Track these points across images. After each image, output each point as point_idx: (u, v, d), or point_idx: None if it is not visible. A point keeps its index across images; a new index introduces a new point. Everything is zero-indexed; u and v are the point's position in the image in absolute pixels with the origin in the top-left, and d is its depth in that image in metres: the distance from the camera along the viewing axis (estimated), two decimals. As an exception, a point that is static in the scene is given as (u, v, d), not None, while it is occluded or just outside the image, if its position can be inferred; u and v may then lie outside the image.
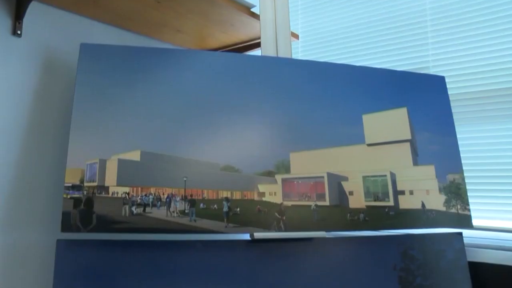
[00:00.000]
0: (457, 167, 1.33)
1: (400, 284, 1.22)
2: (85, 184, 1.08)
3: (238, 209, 1.15)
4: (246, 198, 1.16)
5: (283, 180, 1.19)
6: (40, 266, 1.21)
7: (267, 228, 1.14)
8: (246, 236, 1.12)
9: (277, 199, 1.18)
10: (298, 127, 1.22)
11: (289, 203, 1.18)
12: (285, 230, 1.15)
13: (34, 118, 1.24)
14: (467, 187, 1.33)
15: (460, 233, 1.30)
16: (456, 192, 1.32)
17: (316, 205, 1.20)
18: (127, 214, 1.09)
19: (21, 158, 1.20)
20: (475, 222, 1.33)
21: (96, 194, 1.09)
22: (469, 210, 1.31)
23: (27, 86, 1.23)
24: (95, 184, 1.09)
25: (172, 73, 1.18)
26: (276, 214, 1.16)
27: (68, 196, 1.08)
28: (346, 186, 1.24)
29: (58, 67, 1.30)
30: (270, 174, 1.19)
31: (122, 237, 1.08)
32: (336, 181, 1.23)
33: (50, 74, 1.29)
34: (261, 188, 1.17)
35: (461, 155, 1.34)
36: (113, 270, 1.06)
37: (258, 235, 1.12)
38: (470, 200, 1.33)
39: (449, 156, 1.34)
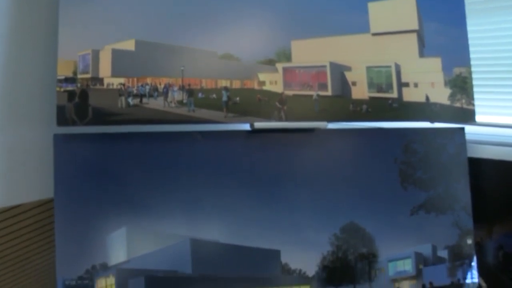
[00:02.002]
0: (465, 60, 1.28)
1: (401, 177, 1.22)
2: (79, 76, 1.04)
3: (238, 99, 1.11)
4: (245, 87, 1.12)
5: (284, 69, 1.14)
6: (40, 163, 1.19)
7: (268, 118, 1.11)
8: (246, 126, 1.10)
9: (278, 88, 1.14)
10: (300, 13, 1.16)
11: (290, 93, 1.15)
12: (286, 120, 1.12)
13: (20, 7, 1.16)
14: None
15: (462, 128, 1.28)
16: (462, 86, 1.28)
17: (318, 95, 1.16)
18: (124, 106, 1.06)
19: (9, 51, 1.14)
20: (478, 118, 1.31)
21: (91, 86, 1.05)
22: (473, 104, 1.29)
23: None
24: (89, 76, 1.05)
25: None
26: (277, 103, 1.13)
27: (62, 89, 1.04)
28: (349, 76, 1.20)
29: None
30: (270, 62, 1.14)
31: (120, 130, 1.05)
32: (339, 71, 1.19)
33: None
34: (261, 77, 1.13)
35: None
36: (113, 162, 1.05)
37: (258, 124, 1.09)
38: (475, 96, 1.29)
39: (457, 49, 1.28)
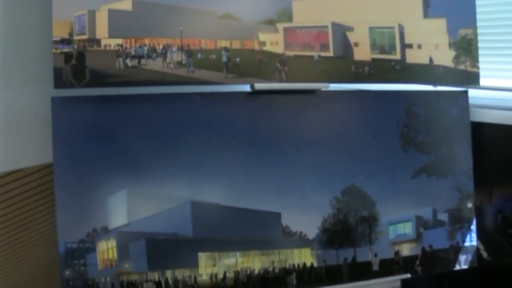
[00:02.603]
0: (471, 21, 1.26)
1: (402, 140, 1.21)
2: (75, 37, 1.01)
3: (238, 59, 1.09)
4: (245, 47, 1.10)
5: (285, 29, 1.12)
6: (40, 127, 1.18)
7: (268, 79, 1.09)
8: (247, 88, 1.08)
9: (279, 48, 1.12)
10: (301, -28, 1.12)
11: (291, 53, 1.13)
12: (287, 81, 1.11)
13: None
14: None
15: (466, 91, 1.27)
16: (466, 48, 1.26)
17: (319, 56, 1.14)
18: (122, 67, 1.04)
19: (3, 13, 1.11)
20: (482, 81, 1.29)
21: (88, 48, 1.02)
22: (478, 67, 1.26)
23: None
24: (85, 37, 1.02)
25: None
26: (278, 64, 1.11)
27: (58, 51, 1.01)
28: (351, 37, 1.17)
29: None
30: (271, 22, 1.11)
31: (119, 92, 1.04)
32: (341, 31, 1.16)
33: None
34: (262, 37, 1.11)
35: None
36: (112, 125, 1.03)
37: (259, 86, 1.07)
38: (479, 59, 1.26)
39: (463, 9, 1.25)
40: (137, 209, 1.06)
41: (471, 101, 1.27)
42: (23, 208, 1.15)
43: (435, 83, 1.24)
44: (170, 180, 1.06)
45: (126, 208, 1.05)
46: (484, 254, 1.34)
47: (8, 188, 1.10)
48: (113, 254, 1.04)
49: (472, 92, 1.28)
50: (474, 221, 1.29)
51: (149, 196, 1.06)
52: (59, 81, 0.97)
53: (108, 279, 1.04)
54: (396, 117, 1.20)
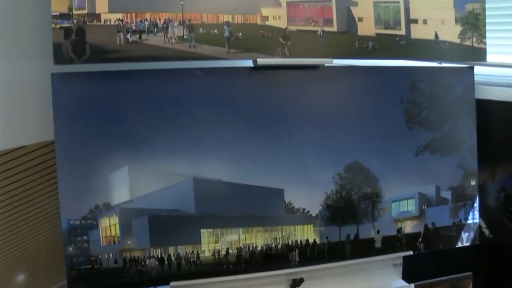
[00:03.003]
0: (478, -5, 1.22)
1: (406, 116, 1.20)
2: (74, 12, 0.99)
3: (240, 34, 1.07)
4: (248, 22, 1.08)
5: (288, 3, 1.10)
6: (41, 105, 1.17)
7: (271, 54, 1.08)
8: (249, 63, 1.07)
9: (282, 23, 1.10)
10: None
11: (294, 28, 1.11)
12: (290, 57, 1.09)
13: None
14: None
15: (472, 67, 1.25)
16: (473, 23, 1.23)
17: (322, 31, 1.12)
18: (122, 42, 1.02)
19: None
20: (488, 58, 1.26)
21: (87, 23, 1.00)
22: (485, 43, 1.24)
23: None
24: (85, 11, 1.00)
25: None
26: (280, 39, 1.09)
27: (57, 26, 0.99)
28: (356, 12, 1.15)
29: None
30: (274, -4, 1.09)
31: (119, 67, 1.02)
32: (345, 5, 1.14)
33: None
34: (264, 11, 1.09)
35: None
36: (113, 101, 1.03)
37: (262, 61, 1.06)
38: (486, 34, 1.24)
39: (470, -18, 1.22)
40: (139, 185, 1.05)
41: (476, 78, 1.25)
42: (26, 186, 1.15)
43: (440, 60, 1.22)
44: (172, 156, 1.05)
45: (128, 185, 1.04)
46: (486, 232, 1.34)
47: (10, 165, 1.10)
48: (115, 230, 1.04)
49: (478, 69, 1.26)
50: (477, 199, 1.28)
51: (151, 172, 1.06)
52: (59, 57, 0.95)
53: (111, 255, 1.04)
54: (400, 93, 1.18)
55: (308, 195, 1.13)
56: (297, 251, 1.13)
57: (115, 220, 1.05)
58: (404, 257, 1.23)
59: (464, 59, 1.23)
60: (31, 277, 1.27)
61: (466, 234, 1.29)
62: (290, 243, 1.14)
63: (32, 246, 1.24)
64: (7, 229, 1.18)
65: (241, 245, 1.10)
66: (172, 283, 1.05)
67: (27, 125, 1.12)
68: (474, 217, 1.29)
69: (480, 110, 1.25)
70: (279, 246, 1.13)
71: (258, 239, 1.12)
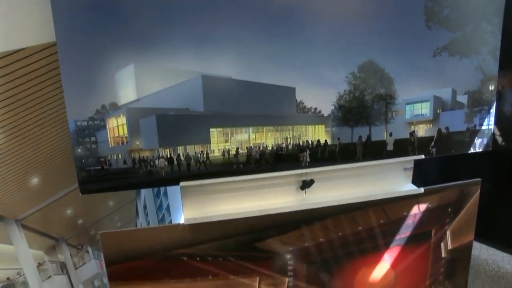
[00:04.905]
0: None
1: (426, 14, 1.14)
2: None
3: None
4: None
5: None
6: (38, 2, 1.10)
7: None
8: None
9: None
10: None
11: None
12: None
13: None
14: None
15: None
16: None
17: None
18: None
19: None
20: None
21: None
22: None
23: None
24: None
25: None
26: None
27: None
28: None
29: None
30: None
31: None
32: None
33: None
34: None
35: None
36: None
37: None
38: None
39: None
40: (146, 84, 1.02)
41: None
42: (33, 88, 1.13)
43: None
44: (179, 53, 1.01)
45: (135, 84, 1.01)
46: (499, 140, 1.32)
47: (12, 68, 1.07)
48: (123, 131, 1.03)
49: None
50: (494, 105, 1.24)
51: (158, 70, 1.02)
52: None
53: (120, 156, 1.03)
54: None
55: (320, 95, 1.09)
56: (308, 151, 1.11)
57: (122, 120, 1.03)
58: (415, 162, 1.21)
59: None
60: (44, 181, 1.28)
61: (480, 140, 1.26)
62: (301, 144, 1.12)
63: (43, 151, 1.25)
64: (17, 133, 1.17)
65: (251, 145, 1.09)
66: (182, 183, 1.04)
67: (27, 26, 1.07)
68: (489, 123, 1.26)
69: (508, 10, 1.17)
70: (290, 146, 1.11)
71: (268, 139, 1.10)
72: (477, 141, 1.26)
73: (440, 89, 1.19)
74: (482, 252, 1.44)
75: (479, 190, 1.26)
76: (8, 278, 1.24)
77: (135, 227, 1.41)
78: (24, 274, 1.28)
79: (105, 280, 1.52)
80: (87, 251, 1.42)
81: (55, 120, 1.22)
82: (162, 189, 1.70)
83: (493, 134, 1.28)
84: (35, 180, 1.25)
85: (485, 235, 1.40)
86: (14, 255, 1.25)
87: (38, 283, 1.32)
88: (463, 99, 1.21)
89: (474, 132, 1.25)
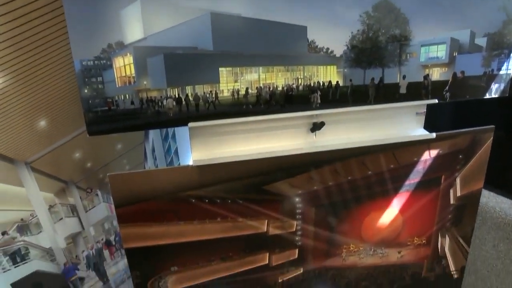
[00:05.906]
0: None
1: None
2: None
3: None
4: None
5: None
6: None
7: None
8: None
9: None
10: None
11: None
12: None
13: None
14: None
15: None
16: None
17: None
18: None
19: None
20: None
21: None
22: None
23: None
24: None
25: None
26: None
27: None
28: None
29: None
30: None
31: None
32: None
33: None
34: None
35: None
36: None
37: None
38: None
39: None
40: (153, 22, 0.98)
41: None
42: (36, 28, 1.10)
43: None
44: (187, -12, 0.96)
45: (141, 21, 0.98)
46: (516, 84, 1.28)
47: (15, 5, 1.03)
48: (130, 70, 1.00)
49: None
50: (515, 47, 1.19)
51: (165, 7, 0.98)
52: None
53: (127, 96, 1.01)
54: None
55: (333, 34, 1.05)
56: (319, 93, 1.09)
57: (129, 59, 1.00)
58: (429, 105, 1.19)
59: None
60: (52, 123, 1.28)
61: (496, 85, 1.22)
62: (312, 84, 1.09)
63: (51, 92, 1.23)
64: (23, 74, 1.16)
65: (261, 85, 1.06)
66: (191, 124, 1.03)
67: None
68: (508, 68, 1.21)
69: None
70: (300, 87, 1.09)
71: (279, 79, 1.07)
72: (494, 86, 1.22)
73: (458, 31, 1.14)
74: (490, 199, 1.44)
75: (491, 138, 1.24)
76: (22, 219, 1.26)
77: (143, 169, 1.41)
78: (36, 216, 1.30)
79: (115, 223, 1.55)
80: (97, 194, 1.44)
81: (61, 62, 1.20)
82: (170, 132, 1.69)
83: (511, 79, 1.24)
84: (43, 123, 1.25)
85: (494, 182, 1.39)
86: (26, 197, 1.26)
87: (50, 225, 1.35)
88: (481, 41, 1.17)
89: (491, 77, 1.21)
